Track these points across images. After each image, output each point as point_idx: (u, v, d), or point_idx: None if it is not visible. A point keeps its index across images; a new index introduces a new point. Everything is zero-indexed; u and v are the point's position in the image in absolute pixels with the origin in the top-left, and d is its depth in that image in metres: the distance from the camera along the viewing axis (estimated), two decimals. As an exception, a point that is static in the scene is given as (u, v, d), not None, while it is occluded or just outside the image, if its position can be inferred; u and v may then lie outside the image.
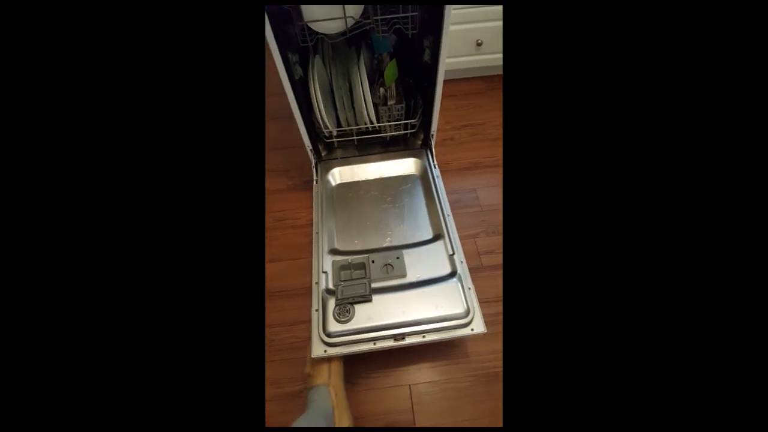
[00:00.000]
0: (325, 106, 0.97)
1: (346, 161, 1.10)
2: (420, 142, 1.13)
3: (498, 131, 1.49)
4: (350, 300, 0.84)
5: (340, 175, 1.09)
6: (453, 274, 0.89)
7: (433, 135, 1.09)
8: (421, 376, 0.98)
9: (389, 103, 0.99)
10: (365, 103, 0.94)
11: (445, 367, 0.99)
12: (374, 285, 0.87)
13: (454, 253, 0.92)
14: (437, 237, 0.96)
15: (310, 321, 0.89)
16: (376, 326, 0.81)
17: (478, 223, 1.28)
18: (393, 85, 0.99)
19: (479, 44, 1.41)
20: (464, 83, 1.63)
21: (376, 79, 1.03)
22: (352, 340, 0.80)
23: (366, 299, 0.84)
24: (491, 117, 1.53)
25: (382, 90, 0.98)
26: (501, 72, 1.62)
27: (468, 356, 1.00)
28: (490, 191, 1.34)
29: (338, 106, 0.99)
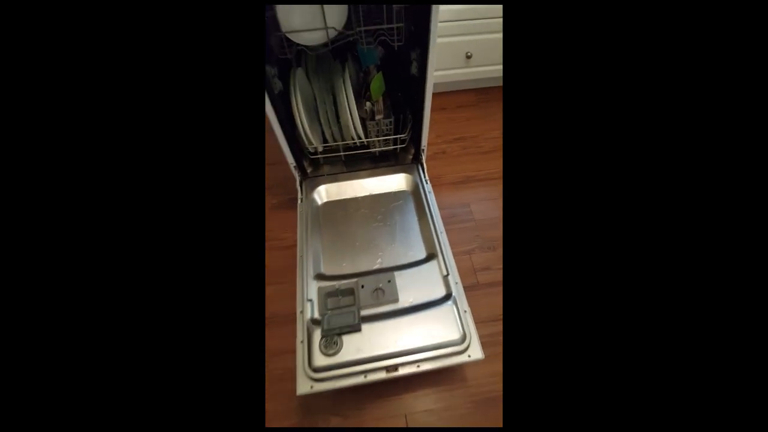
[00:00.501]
0: (309, 122, 0.92)
1: (333, 178, 1.04)
2: (411, 157, 1.09)
3: (490, 144, 1.46)
4: (337, 331, 0.78)
5: (326, 192, 1.03)
6: (448, 296, 0.84)
7: (423, 149, 1.04)
8: (418, 404, 0.93)
9: (377, 117, 0.94)
10: (351, 118, 0.89)
11: (442, 394, 0.94)
12: (364, 312, 0.81)
13: (448, 274, 0.87)
14: (431, 257, 0.91)
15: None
16: (367, 358, 0.76)
17: (473, 239, 1.24)
18: (380, 99, 0.94)
19: (469, 57, 1.39)
20: (455, 96, 1.60)
21: (363, 92, 0.99)
22: (341, 374, 0.74)
23: (355, 329, 0.79)
24: (483, 129, 1.50)
25: (369, 104, 0.94)
26: (492, 84, 1.60)
27: (466, 380, 0.95)
28: (484, 205, 1.30)
29: (323, 122, 0.95)
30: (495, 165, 1.39)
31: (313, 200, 1.01)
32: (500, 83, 1.62)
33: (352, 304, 0.82)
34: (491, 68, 1.45)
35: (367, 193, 1.04)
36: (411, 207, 1.03)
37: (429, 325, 0.80)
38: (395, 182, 1.06)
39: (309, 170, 1.06)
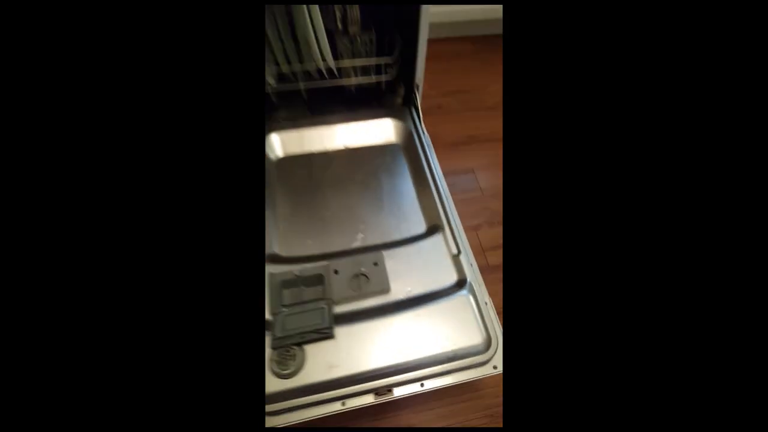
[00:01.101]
0: (254, 39, 0.63)
1: (292, 124, 0.75)
2: (400, 99, 0.81)
3: (494, 98, 1.21)
4: (297, 339, 0.51)
5: (282, 144, 0.75)
6: (461, 284, 0.59)
7: (418, 86, 0.77)
8: (419, 420, 0.71)
9: (351, 30, 0.65)
10: (313, 27, 0.60)
11: (450, 408, 0.73)
12: (338, 310, 0.56)
13: (460, 252, 0.62)
14: (433, 230, 0.66)
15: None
16: (343, 378, 0.51)
17: (480, 212, 1.00)
18: (356, 6, 0.66)
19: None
20: (450, 43, 1.35)
21: None
22: (306, 403, 0.49)
23: (325, 335, 0.52)
24: (485, 83, 1.25)
25: (338, 10, 0.65)
26: (491, 32, 1.36)
27: (479, 390, 0.75)
28: (491, 172, 1.08)
29: (272, 40, 0.65)
30: (502, 125, 1.15)
31: (265, 155, 0.72)
32: (500, 30, 1.37)
33: (321, 298, 0.56)
34: (491, 7, 1.20)
35: (342, 146, 0.77)
36: (403, 164, 0.76)
37: (436, 325, 0.55)
38: (380, 131, 0.79)
39: (260, 117, 0.78)
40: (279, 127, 0.74)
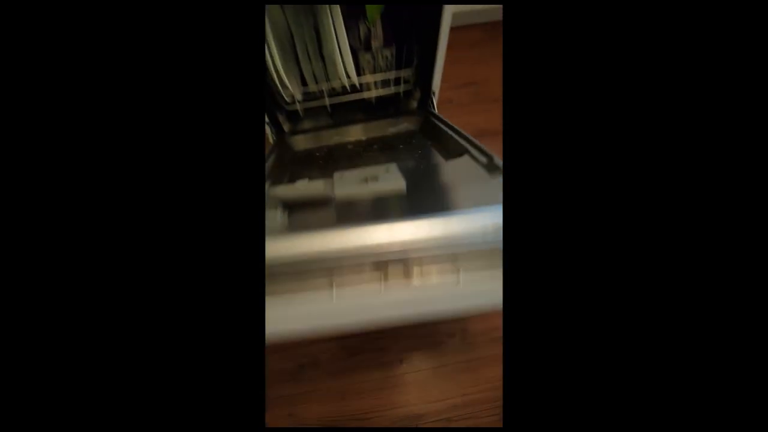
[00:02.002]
0: (283, 60, 0.67)
1: (316, 134, 0.80)
2: (416, 103, 0.85)
3: (504, 90, 1.22)
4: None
5: (302, 142, 0.80)
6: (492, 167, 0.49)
7: (434, 93, 0.81)
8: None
9: (374, 46, 0.69)
10: (339, 47, 0.64)
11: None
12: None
13: (492, 158, 0.50)
14: (460, 154, 0.57)
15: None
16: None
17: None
18: (378, 22, 0.69)
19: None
20: (460, 33, 1.34)
21: (350, 14, 0.73)
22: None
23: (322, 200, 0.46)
24: (495, 73, 1.26)
25: (363, 29, 0.68)
26: (500, 18, 1.34)
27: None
28: None
29: (301, 57, 0.69)
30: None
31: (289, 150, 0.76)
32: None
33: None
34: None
35: (362, 138, 0.80)
36: (422, 141, 0.74)
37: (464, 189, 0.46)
38: (397, 128, 0.82)
39: (286, 127, 0.82)
40: (304, 139, 0.79)
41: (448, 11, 0.65)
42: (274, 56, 0.65)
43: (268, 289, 0.37)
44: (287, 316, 0.36)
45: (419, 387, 0.82)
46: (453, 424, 0.79)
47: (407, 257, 0.37)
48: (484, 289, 0.36)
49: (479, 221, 0.36)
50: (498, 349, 0.86)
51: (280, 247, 0.37)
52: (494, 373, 0.83)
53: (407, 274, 0.37)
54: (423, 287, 0.37)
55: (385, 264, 0.37)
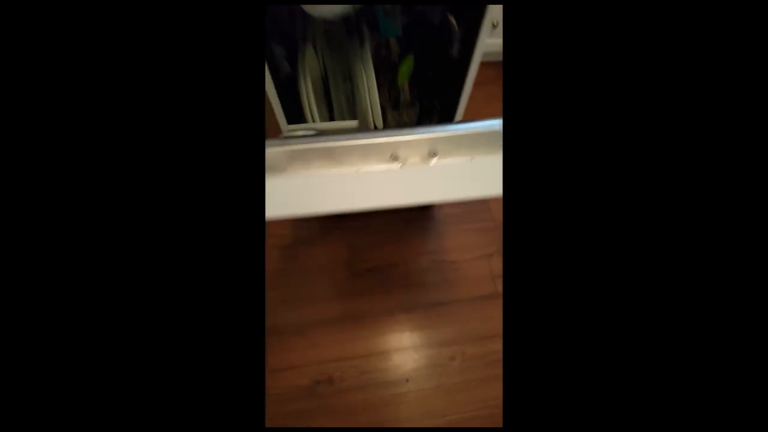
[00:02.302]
0: (318, 110, 0.76)
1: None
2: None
3: (512, 128, 1.32)
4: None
5: None
6: None
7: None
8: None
9: (402, 105, 0.78)
10: (371, 106, 0.73)
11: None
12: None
13: None
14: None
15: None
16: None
17: (493, 241, 1.14)
18: (406, 84, 0.78)
19: (495, 26, 1.20)
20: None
21: (381, 73, 0.82)
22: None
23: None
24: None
25: (393, 90, 0.77)
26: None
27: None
28: None
29: (336, 110, 0.78)
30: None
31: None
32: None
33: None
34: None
35: None
36: None
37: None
38: None
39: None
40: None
41: (469, 85, 0.73)
42: (311, 105, 0.73)
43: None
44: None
45: (421, 404, 0.92)
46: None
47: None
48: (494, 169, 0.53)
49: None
50: (494, 371, 0.96)
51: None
52: (492, 393, 0.93)
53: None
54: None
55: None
